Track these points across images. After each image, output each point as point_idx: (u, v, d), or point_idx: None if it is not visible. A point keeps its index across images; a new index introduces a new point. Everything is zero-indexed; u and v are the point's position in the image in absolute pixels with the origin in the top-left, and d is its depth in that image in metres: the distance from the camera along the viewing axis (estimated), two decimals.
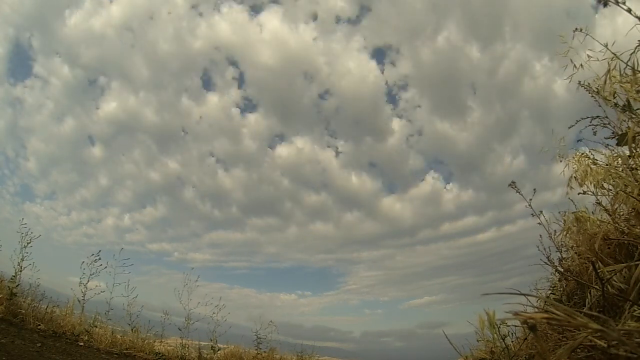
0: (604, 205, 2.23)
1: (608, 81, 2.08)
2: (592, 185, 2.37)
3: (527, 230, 2.88)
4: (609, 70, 2.09)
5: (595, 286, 1.80)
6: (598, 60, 2.22)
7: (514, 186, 2.63)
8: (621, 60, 2.07)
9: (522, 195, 2.59)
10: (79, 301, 5.76)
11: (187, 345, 6.40)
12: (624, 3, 1.92)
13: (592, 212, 2.35)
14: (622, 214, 2.10)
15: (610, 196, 2.25)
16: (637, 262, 1.61)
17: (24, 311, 4.89)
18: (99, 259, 6.04)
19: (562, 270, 2.51)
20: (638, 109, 2.00)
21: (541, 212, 2.64)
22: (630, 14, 1.93)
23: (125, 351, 5.41)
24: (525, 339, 2.21)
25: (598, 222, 2.20)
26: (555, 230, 2.62)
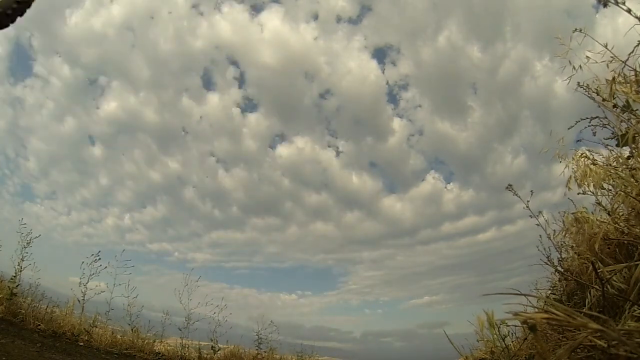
0: (604, 205, 2.24)
1: (614, 83, 2.08)
2: (592, 185, 2.38)
3: (527, 230, 2.88)
4: (614, 78, 2.07)
5: (595, 286, 1.81)
6: (597, 62, 2.22)
7: (511, 189, 2.64)
8: (621, 61, 2.07)
9: (519, 197, 2.60)
10: (79, 301, 5.75)
11: (187, 346, 6.40)
12: (623, 3, 1.92)
13: (592, 212, 2.36)
14: (622, 214, 2.11)
15: (610, 196, 2.26)
16: (637, 262, 1.62)
17: (24, 311, 4.89)
18: (99, 259, 6.04)
19: (562, 270, 2.52)
20: (638, 109, 2.01)
21: (540, 212, 2.64)
22: (630, 14, 1.94)
23: (125, 351, 5.41)
24: (525, 339, 2.22)
25: (598, 222, 2.20)
26: (555, 231, 2.62)
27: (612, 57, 2.11)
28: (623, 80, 2.05)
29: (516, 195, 2.60)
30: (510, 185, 2.64)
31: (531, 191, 2.62)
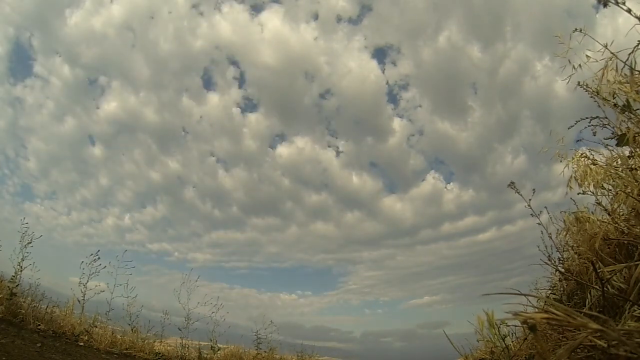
0: (604, 205, 2.23)
1: (605, 76, 2.09)
2: (592, 185, 2.38)
3: (527, 230, 2.88)
4: (606, 66, 2.09)
5: (595, 286, 1.80)
6: (597, 61, 2.22)
7: (513, 186, 2.63)
8: (620, 60, 2.07)
9: (521, 195, 2.59)
10: (78, 301, 5.75)
11: (187, 345, 6.40)
12: (623, 3, 1.92)
13: (592, 212, 2.36)
14: (622, 214, 2.11)
15: (610, 196, 2.26)
16: (637, 262, 1.62)
17: (24, 311, 4.88)
18: (98, 258, 6.04)
19: (562, 270, 2.52)
20: (637, 109, 2.01)
21: (542, 210, 2.64)
22: (630, 14, 1.93)
23: (125, 351, 5.41)
24: (525, 339, 2.22)
25: (598, 222, 2.20)
26: (556, 230, 2.62)
27: (612, 56, 2.11)
28: (623, 80, 2.05)
29: (518, 193, 2.59)
30: (513, 182, 2.63)
31: (533, 190, 2.62)
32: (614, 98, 2.10)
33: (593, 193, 2.38)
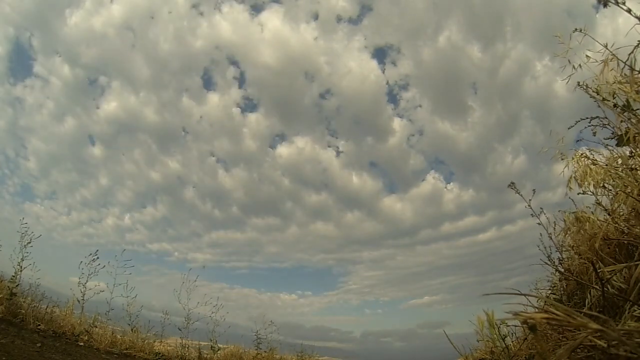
0: (604, 205, 2.23)
1: (604, 75, 2.09)
2: (592, 185, 2.38)
3: (527, 230, 2.89)
4: (605, 66, 2.09)
5: (595, 286, 1.80)
6: (597, 61, 2.22)
7: (513, 187, 2.64)
8: (620, 60, 2.07)
9: (521, 195, 2.59)
10: (78, 301, 5.75)
11: (187, 345, 6.40)
12: (623, 3, 1.92)
13: (592, 212, 2.36)
14: (622, 214, 2.11)
15: (610, 196, 2.25)
16: (637, 262, 1.62)
17: (24, 311, 4.88)
18: (97, 258, 6.03)
19: (562, 270, 2.52)
20: (638, 109, 2.01)
21: (542, 211, 2.64)
22: (630, 14, 1.93)
23: (125, 351, 5.41)
24: (525, 339, 2.22)
25: (598, 222, 2.20)
26: (555, 228, 2.62)
27: (612, 56, 2.11)
28: (623, 80, 2.04)
29: (518, 193, 2.60)
30: (513, 183, 2.64)
31: (533, 190, 2.62)
32: (614, 98, 2.09)
33: (593, 193, 2.38)
